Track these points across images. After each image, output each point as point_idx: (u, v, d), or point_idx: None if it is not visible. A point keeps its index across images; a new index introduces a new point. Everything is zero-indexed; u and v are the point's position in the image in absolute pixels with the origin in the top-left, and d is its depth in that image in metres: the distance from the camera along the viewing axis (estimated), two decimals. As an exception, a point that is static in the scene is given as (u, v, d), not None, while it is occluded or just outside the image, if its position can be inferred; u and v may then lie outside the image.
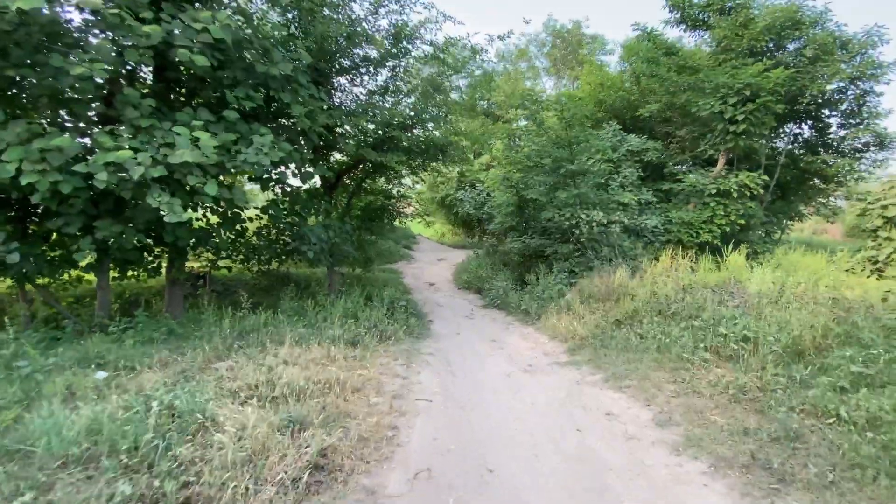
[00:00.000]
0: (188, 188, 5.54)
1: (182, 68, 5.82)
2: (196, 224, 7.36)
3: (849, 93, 13.70)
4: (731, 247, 10.36)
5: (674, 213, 11.95)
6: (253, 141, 5.38)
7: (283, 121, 7.29)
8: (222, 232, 7.48)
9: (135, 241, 6.08)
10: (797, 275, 7.15)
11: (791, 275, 7.02)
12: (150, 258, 8.11)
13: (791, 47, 12.98)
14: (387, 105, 8.09)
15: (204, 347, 5.23)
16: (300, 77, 6.07)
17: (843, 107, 14.15)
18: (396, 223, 13.82)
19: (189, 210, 7.59)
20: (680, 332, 5.72)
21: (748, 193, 11.46)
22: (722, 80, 10.79)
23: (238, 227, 8.39)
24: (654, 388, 4.67)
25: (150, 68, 6.19)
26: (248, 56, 5.68)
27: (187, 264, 10.78)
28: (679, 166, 14.39)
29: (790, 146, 14.85)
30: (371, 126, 8.26)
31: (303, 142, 7.01)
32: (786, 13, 11.92)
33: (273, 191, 8.40)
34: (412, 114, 7.98)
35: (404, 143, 8.16)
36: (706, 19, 12.48)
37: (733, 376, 4.60)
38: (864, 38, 12.59)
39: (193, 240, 7.32)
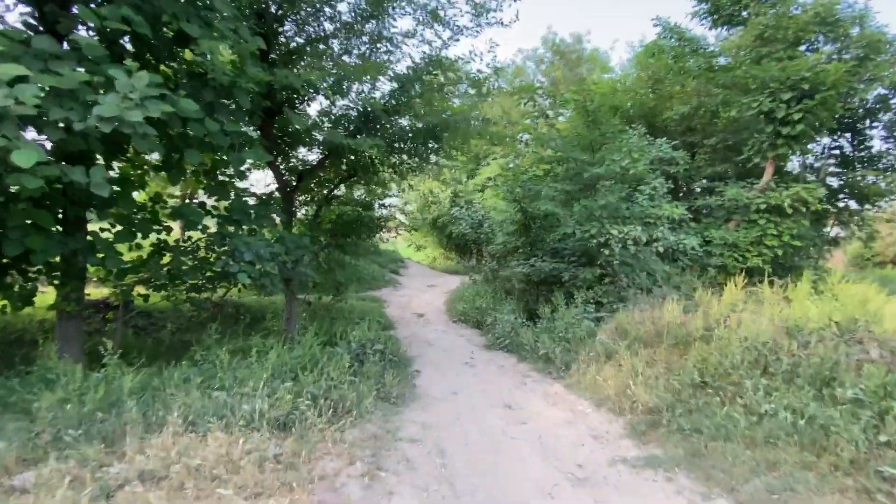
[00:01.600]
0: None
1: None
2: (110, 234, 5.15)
3: (892, 101, 12.17)
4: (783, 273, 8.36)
5: (713, 232, 9.92)
6: (116, 84, 3.18)
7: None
8: (116, 246, 5.16)
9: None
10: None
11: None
12: (20, 279, 5.75)
13: (829, 48, 11.44)
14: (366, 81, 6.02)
15: (-4, 446, 2.85)
16: (217, 2, 3.96)
17: (886, 117, 12.60)
18: (383, 245, 11.61)
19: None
20: (822, 410, 3.50)
21: (803, 210, 9.49)
22: (772, 73, 8.99)
23: (156, 239, 6.18)
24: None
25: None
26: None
27: (100, 292, 8.42)
28: (705, 180, 12.58)
29: (827, 160, 13.16)
30: (341, 103, 6.16)
31: (233, 110, 4.80)
32: (826, 6, 10.39)
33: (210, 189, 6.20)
34: (396, 86, 5.89)
35: (386, 128, 6.06)
36: (739, 12, 10.83)
37: None
38: (906, 40, 11.10)
39: (80, 256, 5.05)
